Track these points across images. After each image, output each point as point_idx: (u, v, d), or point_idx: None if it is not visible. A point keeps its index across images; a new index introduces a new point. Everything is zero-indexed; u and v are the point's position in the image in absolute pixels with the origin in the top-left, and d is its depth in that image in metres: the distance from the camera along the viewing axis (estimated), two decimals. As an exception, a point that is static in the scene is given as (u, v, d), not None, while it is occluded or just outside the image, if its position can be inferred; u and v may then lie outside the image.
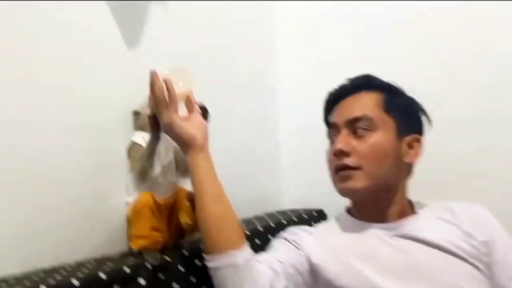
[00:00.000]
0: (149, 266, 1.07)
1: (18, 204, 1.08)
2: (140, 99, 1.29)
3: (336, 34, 1.92)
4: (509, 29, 1.57)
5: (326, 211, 1.84)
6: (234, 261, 1.04)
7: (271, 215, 1.70)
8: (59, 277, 0.95)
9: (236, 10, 1.81)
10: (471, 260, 1.10)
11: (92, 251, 1.21)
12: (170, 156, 1.22)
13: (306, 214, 1.72)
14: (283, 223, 1.55)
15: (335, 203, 1.88)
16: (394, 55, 1.75)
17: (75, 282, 0.91)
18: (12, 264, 1.04)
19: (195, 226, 1.15)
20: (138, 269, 1.05)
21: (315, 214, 1.79)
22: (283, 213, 1.77)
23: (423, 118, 1.23)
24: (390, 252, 1.12)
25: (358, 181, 1.13)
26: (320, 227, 1.30)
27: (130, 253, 1.15)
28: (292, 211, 1.81)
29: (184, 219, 1.17)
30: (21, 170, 1.09)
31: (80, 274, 0.97)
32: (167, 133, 1.11)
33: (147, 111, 1.17)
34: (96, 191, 1.25)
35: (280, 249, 1.18)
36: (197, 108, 1.14)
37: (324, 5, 1.95)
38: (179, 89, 1.07)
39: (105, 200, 1.26)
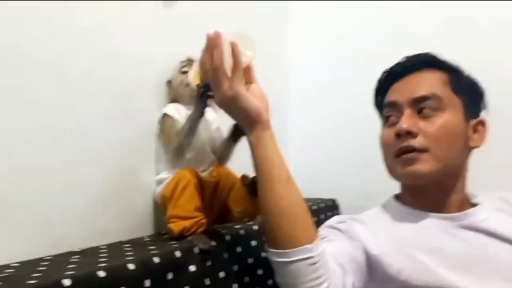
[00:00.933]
0: (196, 251, 0.95)
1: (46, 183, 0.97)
2: (173, 68, 1.19)
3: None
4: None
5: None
6: (311, 257, 0.92)
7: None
8: (110, 260, 0.85)
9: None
10: (537, 253, 1.03)
11: (118, 234, 1.07)
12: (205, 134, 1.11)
13: (317, 204, 1.64)
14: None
15: (348, 193, 1.87)
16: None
17: (130, 266, 0.80)
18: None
19: (248, 213, 1.03)
20: (188, 254, 0.93)
21: (329, 204, 1.72)
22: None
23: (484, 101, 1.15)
24: (457, 244, 1.02)
25: (426, 165, 1.03)
26: (369, 215, 1.19)
27: (169, 236, 1.03)
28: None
29: (237, 205, 1.05)
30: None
31: (131, 258, 0.85)
32: (226, 107, 0.96)
33: (193, 80, 1.03)
34: (124, 166, 1.13)
35: (337, 240, 1.06)
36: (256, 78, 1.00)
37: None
38: (246, 57, 0.92)
39: (133, 177, 1.13)
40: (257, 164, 0.97)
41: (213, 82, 0.94)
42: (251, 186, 1.03)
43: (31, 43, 0.95)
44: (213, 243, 0.99)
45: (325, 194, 1.79)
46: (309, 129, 1.93)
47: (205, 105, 1.04)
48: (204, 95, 1.01)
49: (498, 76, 1.46)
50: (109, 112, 1.10)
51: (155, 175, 1.14)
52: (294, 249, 0.92)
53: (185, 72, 1.14)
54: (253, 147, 0.97)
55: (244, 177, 1.07)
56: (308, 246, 0.92)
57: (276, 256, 0.94)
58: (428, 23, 1.69)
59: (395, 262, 1.02)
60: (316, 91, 1.94)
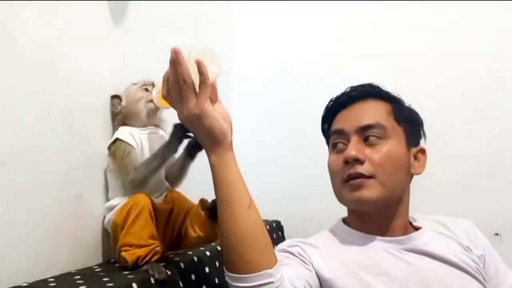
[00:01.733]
0: (152, 281, 0.93)
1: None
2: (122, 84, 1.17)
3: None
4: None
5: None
6: (271, 283, 0.91)
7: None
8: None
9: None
10: (475, 274, 1.09)
11: (66, 263, 1.03)
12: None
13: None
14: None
15: (291, 214, 1.90)
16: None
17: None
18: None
19: (206, 239, 1.02)
20: (145, 286, 0.90)
21: (274, 226, 1.74)
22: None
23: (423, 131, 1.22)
24: (403, 267, 1.07)
25: (373, 191, 1.07)
26: (319, 239, 1.22)
27: (120, 265, 0.99)
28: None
29: (195, 230, 1.03)
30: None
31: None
32: (190, 125, 0.94)
33: (157, 97, 1.02)
34: (70, 193, 1.08)
35: (291, 265, 1.07)
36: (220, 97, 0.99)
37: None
38: (212, 74, 0.89)
39: (80, 204, 1.09)
40: (218, 187, 0.94)
41: (177, 98, 0.91)
42: (211, 210, 1.01)
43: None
44: (168, 272, 0.97)
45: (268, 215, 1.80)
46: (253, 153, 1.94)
47: (180, 144, 1.03)
48: (183, 135, 1.01)
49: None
50: (55, 137, 1.05)
51: (103, 202, 1.11)
52: (255, 274, 0.91)
53: (146, 90, 1.12)
54: (214, 169, 0.94)
55: (203, 201, 1.06)
56: (268, 271, 0.92)
57: (236, 281, 0.93)
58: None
59: (347, 284, 1.04)
60: (259, 118, 1.96)
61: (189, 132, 0.99)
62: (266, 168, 1.90)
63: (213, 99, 0.96)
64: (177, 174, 1.13)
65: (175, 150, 1.04)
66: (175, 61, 0.89)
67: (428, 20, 1.73)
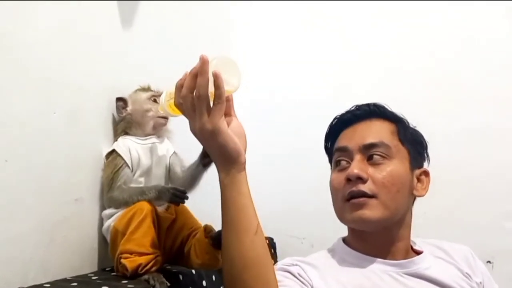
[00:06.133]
0: (152, 291, 0.90)
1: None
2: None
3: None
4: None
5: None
6: None
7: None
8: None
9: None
10: (475, 301, 1.09)
11: (61, 270, 1.00)
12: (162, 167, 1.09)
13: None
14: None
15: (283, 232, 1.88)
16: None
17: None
18: None
19: (209, 266, 1.01)
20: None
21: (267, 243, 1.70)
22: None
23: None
24: None
25: (374, 211, 1.06)
26: (318, 259, 1.19)
27: (117, 273, 0.97)
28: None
29: (198, 257, 1.02)
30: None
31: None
32: (202, 140, 0.88)
33: (164, 106, 1.00)
34: (69, 197, 1.06)
35: (291, 286, 1.05)
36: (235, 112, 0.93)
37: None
38: (230, 86, 0.82)
39: (78, 209, 1.07)
40: (226, 209, 0.89)
41: (190, 110, 0.86)
42: (216, 239, 0.98)
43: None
44: (168, 284, 0.95)
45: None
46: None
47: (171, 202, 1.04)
48: (180, 199, 1.02)
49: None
50: (59, 137, 1.04)
51: (102, 207, 1.09)
52: None
53: (155, 101, 1.11)
54: (224, 189, 0.88)
55: (207, 228, 1.03)
56: None
57: None
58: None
59: None
60: (252, 134, 1.95)
61: (186, 199, 1.00)
62: (259, 186, 1.88)
63: (228, 113, 0.91)
64: (189, 181, 1.11)
65: (163, 200, 1.04)
66: (199, 70, 0.83)
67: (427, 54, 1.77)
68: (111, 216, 1.05)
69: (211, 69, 0.80)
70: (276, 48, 1.96)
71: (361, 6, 1.84)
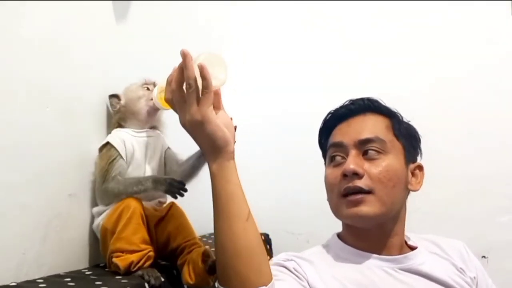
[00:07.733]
0: (147, 287, 0.91)
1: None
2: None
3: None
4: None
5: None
6: None
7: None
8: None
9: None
10: (468, 296, 1.09)
11: (53, 266, 0.99)
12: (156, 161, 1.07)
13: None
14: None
15: (279, 228, 1.88)
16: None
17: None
18: None
19: (199, 286, 1.00)
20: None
21: (262, 238, 1.70)
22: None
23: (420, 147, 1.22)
24: (399, 286, 1.05)
25: (371, 207, 1.05)
26: (314, 254, 1.19)
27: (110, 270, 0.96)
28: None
29: (191, 277, 1.00)
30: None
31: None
32: (191, 131, 0.90)
33: (156, 99, 1.00)
34: (61, 193, 1.05)
35: (286, 280, 1.05)
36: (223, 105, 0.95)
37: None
38: (218, 81, 0.85)
39: (70, 205, 1.06)
40: (217, 197, 0.91)
41: (180, 102, 0.88)
42: (210, 267, 0.98)
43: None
44: (162, 278, 0.95)
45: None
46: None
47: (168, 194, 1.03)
48: (177, 192, 1.01)
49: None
50: (52, 132, 1.03)
51: (92, 206, 1.09)
52: None
53: (147, 88, 1.10)
54: (214, 178, 0.91)
55: (205, 253, 1.02)
56: None
57: None
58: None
59: None
60: (248, 130, 1.95)
61: (184, 191, 0.99)
62: (255, 181, 1.88)
63: (216, 106, 0.93)
64: (188, 172, 1.11)
65: (159, 190, 1.03)
66: (184, 64, 0.86)
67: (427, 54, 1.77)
68: (100, 214, 1.04)
69: (198, 63, 0.84)
70: (276, 48, 1.95)
71: (361, 6, 1.83)
